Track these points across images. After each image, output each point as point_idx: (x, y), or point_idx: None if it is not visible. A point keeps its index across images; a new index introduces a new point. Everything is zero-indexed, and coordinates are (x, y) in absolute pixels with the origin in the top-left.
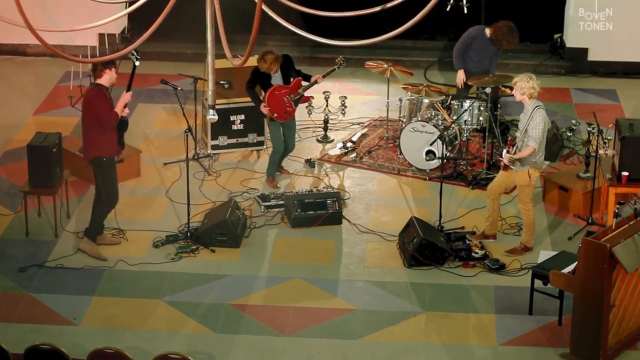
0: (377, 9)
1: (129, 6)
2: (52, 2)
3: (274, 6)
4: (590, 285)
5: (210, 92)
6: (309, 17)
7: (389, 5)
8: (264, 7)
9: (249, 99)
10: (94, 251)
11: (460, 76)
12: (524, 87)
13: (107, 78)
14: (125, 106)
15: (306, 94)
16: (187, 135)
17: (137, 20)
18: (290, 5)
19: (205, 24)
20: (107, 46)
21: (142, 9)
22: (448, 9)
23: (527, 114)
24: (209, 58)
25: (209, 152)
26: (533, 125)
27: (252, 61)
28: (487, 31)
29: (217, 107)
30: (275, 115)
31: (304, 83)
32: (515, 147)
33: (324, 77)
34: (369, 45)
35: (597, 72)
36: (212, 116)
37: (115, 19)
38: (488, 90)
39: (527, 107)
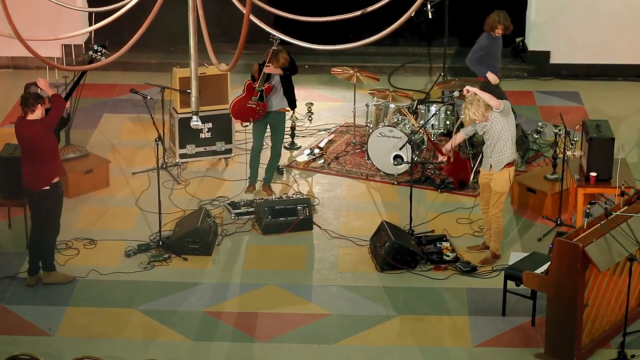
0: (358, 13)
1: (93, 16)
2: (13, 13)
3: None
4: (564, 285)
5: (193, 99)
6: (280, 22)
7: (369, 9)
8: (241, 8)
9: (217, 107)
10: (60, 278)
11: (492, 76)
12: (477, 112)
13: (39, 113)
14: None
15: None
16: (157, 144)
17: (101, 31)
18: (268, 10)
19: (187, 31)
20: (73, 57)
21: (104, 18)
22: (412, 14)
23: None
24: (192, 65)
25: (177, 160)
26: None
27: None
28: (497, 31)
29: (184, 115)
30: (251, 120)
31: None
32: (480, 158)
33: (268, 63)
34: (332, 52)
35: (560, 74)
36: (196, 122)
37: (85, 32)
38: (456, 94)
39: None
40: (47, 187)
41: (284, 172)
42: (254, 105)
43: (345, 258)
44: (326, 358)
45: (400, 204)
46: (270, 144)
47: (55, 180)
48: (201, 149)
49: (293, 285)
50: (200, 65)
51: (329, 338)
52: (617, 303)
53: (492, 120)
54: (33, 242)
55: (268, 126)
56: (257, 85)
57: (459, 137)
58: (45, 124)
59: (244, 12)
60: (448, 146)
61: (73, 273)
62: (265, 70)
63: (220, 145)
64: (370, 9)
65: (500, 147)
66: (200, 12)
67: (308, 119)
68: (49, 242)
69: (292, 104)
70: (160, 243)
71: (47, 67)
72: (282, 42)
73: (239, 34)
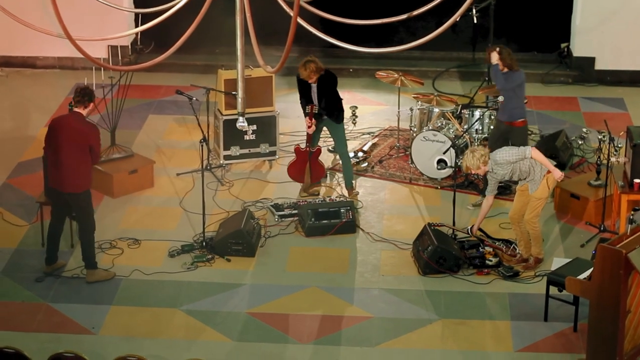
0: (404, 16)
1: (140, 17)
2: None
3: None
4: (606, 291)
5: (240, 100)
6: (326, 24)
7: (415, 13)
8: (288, 11)
9: (261, 109)
10: (103, 275)
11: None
12: (473, 164)
13: (88, 111)
14: None
15: None
16: (202, 146)
17: (147, 32)
18: (315, 12)
19: (235, 33)
20: (119, 58)
21: (151, 19)
22: (458, 19)
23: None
24: (239, 66)
25: (221, 162)
26: (508, 159)
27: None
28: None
29: (229, 117)
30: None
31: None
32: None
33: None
34: (377, 56)
35: (604, 81)
36: (242, 123)
37: (132, 33)
38: (500, 99)
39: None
40: (84, 192)
41: (328, 174)
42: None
43: (388, 261)
44: None
45: (443, 208)
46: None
47: (88, 189)
48: (245, 150)
49: (335, 288)
50: (245, 67)
51: (370, 341)
52: None
53: (517, 165)
54: (51, 233)
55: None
56: (307, 149)
57: (487, 206)
58: (94, 131)
59: (291, 14)
60: (477, 225)
61: (117, 273)
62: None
63: (264, 148)
64: (415, 12)
65: (532, 177)
66: (248, 14)
67: (352, 122)
68: (88, 241)
69: (330, 114)
70: (204, 244)
71: (94, 67)
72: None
73: (286, 36)
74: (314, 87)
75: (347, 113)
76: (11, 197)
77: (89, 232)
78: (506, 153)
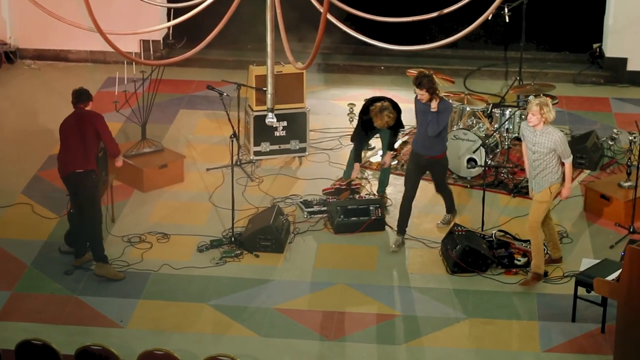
0: (435, 14)
1: (172, 12)
2: (94, 9)
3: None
4: (634, 292)
5: (269, 96)
6: (357, 22)
7: (446, 10)
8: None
9: (292, 105)
10: (112, 273)
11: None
12: (547, 112)
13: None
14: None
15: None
16: (232, 141)
17: (179, 26)
18: (345, 9)
19: (265, 29)
20: (151, 52)
21: (183, 14)
22: (489, 18)
23: (542, 133)
24: (269, 62)
25: (251, 158)
26: (560, 142)
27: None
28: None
29: (259, 113)
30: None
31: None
32: (533, 171)
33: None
34: (408, 54)
35: (636, 81)
36: (271, 119)
37: (164, 27)
38: (531, 98)
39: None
40: (90, 170)
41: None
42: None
43: (416, 259)
44: (394, 358)
45: (472, 206)
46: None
47: (94, 169)
48: (275, 147)
49: (363, 285)
50: (276, 63)
51: (397, 339)
52: None
53: (553, 154)
54: (75, 228)
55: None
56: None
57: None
58: (98, 115)
59: (322, 10)
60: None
61: (146, 267)
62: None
63: (294, 144)
64: (446, 10)
65: (545, 175)
66: (278, 10)
67: (349, 120)
68: (93, 231)
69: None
70: (233, 239)
71: (125, 61)
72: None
73: (316, 33)
74: (385, 131)
75: (345, 110)
76: (42, 189)
77: (94, 221)
78: (562, 136)
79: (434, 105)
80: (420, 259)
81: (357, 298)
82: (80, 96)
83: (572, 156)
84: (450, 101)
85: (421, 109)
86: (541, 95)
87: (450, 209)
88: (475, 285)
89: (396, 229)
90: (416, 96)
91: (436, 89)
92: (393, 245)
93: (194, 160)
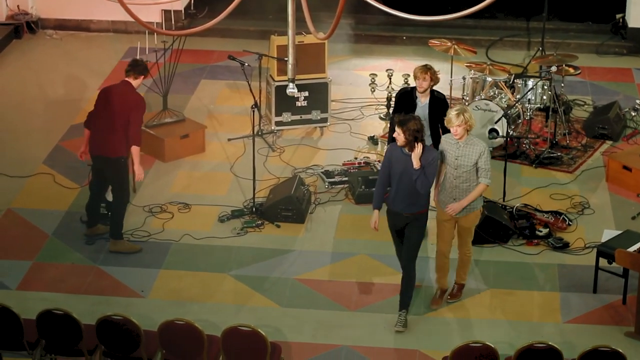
0: None
1: None
2: None
3: None
4: None
5: (290, 67)
6: None
7: None
8: None
9: (314, 75)
10: (127, 247)
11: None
12: (469, 118)
13: (137, 83)
14: None
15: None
16: (253, 111)
17: None
18: None
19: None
20: (172, 22)
21: None
22: None
23: (466, 144)
24: (290, 32)
25: (272, 128)
26: (485, 153)
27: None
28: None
29: (280, 83)
30: None
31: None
32: (454, 190)
33: None
34: (430, 24)
35: None
36: (292, 90)
37: None
38: (553, 69)
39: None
40: (119, 157)
41: (379, 142)
42: None
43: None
44: (415, 329)
45: (494, 177)
46: None
47: (124, 155)
48: (297, 117)
49: (384, 256)
50: (298, 33)
51: (418, 309)
52: None
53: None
54: (90, 202)
55: None
56: None
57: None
58: (138, 105)
59: None
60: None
61: (167, 237)
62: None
63: (316, 114)
64: None
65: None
66: None
67: (371, 91)
68: (119, 212)
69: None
70: (254, 209)
71: (147, 31)
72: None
73: (337, 3)
74: (424, 106)
75: (399, 81)
76: (63, 159)
77: (121, 202)
78: (487, 147)
79: (415, 162)
80: None
81: (378, 268)
82: (135, 67)
83: (490, 180)
84: (434, 150)
85: (397, 157)
86: (555, 66)
87: (405, 303)
88: (496, 256)
89: (399, 304)
90: (392, 146)
91: (422, 136)
92: (398, 325)
93: (215, 131)
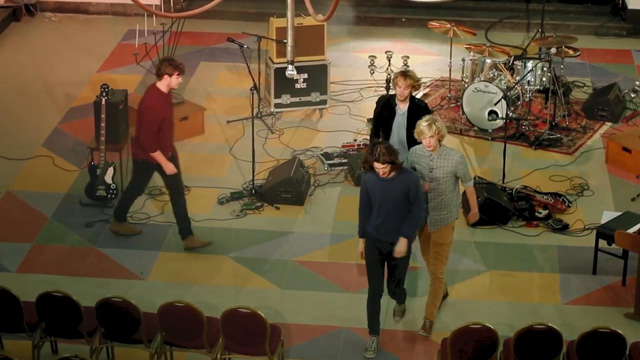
0: None
1: None
2: None
3: None
4: None
5: (289, 49)
6: None
7: None
8: None
9: (313, 57)
10: (126, 229)
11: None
12: (441, 127)
13: (165, 84)
14: None
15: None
16: (252, 93)
17: None
18: None
19: None
20: (171, 4)
21: None
22: None
23: (439, 156)
24: (289, 14)
25: (272, 110)
26: (461, 162)
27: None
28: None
29: (280, 65)
30: None
31: None
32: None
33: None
34: (430, 6)
35: None
36: (291, 72)
37: None
38: (552, 50)
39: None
40: (141, 160)
41: None
42: None
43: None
44: (415, 311)
45: (493, 159)
46: None
47: (147, 159)
48: (296, 99)
49: None
50: (297, 15)
51: (418, 291)
52: None
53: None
54: (124, 196)
55: None
56: None
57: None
58: (146, 112)
59: None
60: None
61: (167, 219)
62: None
63: (315, 96)
64: None
65: (444, 206)
66: None
67: (370, 73)
68: (184, 204)
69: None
70: (253, 191)
71: (145, 14)
72: None
73: None
74: (402, 114)
75: (398, 63)
76: (62, 142)
77: (182, 195)
78: (462, 156)
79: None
80: None
81: None
82: (160, 67)
83: (472, 180)
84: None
85: (373, 184)
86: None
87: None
88: (496, 238)
89: (368, 329)
90: (367, 174)
91: (398, 160)
92: (369, 351)
93: (215, 113)
